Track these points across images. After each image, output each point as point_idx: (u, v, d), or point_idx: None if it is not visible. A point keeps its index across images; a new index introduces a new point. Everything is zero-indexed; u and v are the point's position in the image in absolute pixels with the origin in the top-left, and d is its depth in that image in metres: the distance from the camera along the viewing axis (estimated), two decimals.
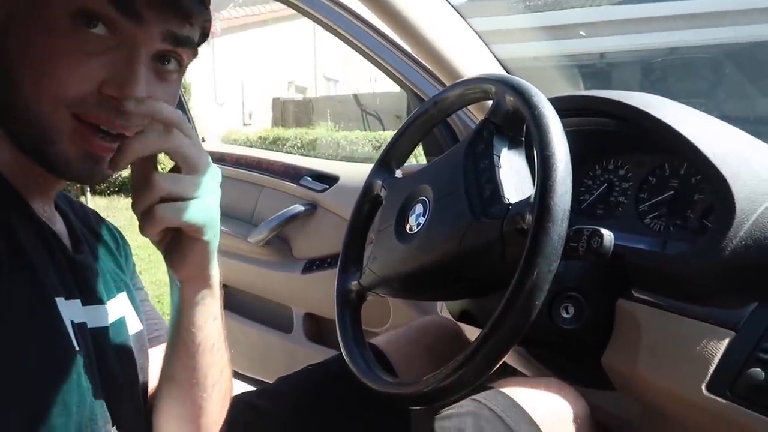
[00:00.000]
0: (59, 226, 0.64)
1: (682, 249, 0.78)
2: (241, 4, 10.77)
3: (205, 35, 0.63)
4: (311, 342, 1.66)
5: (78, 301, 0.60)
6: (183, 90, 1.98)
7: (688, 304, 0.77)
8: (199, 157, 0.58)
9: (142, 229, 0.56)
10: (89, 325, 0.61)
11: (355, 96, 11.60)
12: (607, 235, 0.66)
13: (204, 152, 0.59)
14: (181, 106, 1.96)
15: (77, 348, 0.56)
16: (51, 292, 0.55)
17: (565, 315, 0.82)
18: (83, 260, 0.64)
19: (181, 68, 0.60)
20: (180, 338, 0.65)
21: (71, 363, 0.55)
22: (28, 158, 0.56)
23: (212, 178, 0.60)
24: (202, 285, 0.64)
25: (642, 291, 0.81)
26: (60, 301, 0.55)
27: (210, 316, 0.66)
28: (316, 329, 1.68)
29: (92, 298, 0.63)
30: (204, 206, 0.57)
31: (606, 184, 0.99)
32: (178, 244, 0.60)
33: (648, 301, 0.80)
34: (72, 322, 0.57)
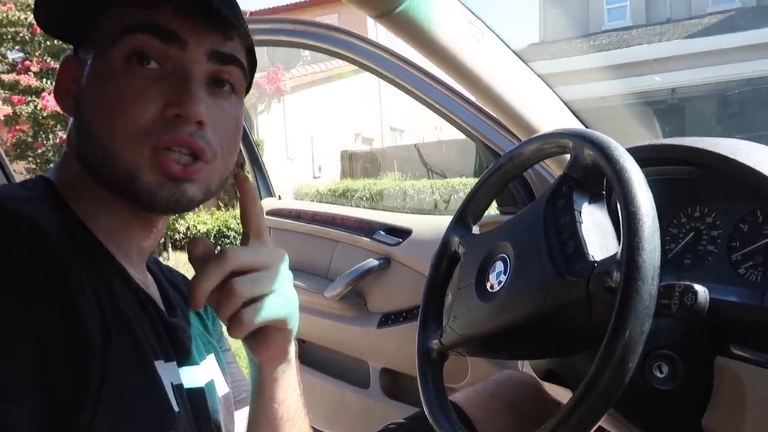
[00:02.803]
0: (153, 289, 0.68)
1: None
2: (309, 61, 11.22)
3: (251, 55, 0.67)
4: (389, 398, 1.64)
5: (174, 363, 0.62)
6: (257, 146, 2.08)
7: None
8: (264, 256, 0.59)
9: (232, 333, 0.57)
10: (185, 386, 0.63)
11: (417, 147, 11.72)
12: (702, 291, 0.63)
13: (266, 246, 0.61)
14: (258, 163, 2.04)
15: (177, 409, 0.58)
16: (151, 356, 0.57)
17: (658, 374, 0.78)
18: (178, 323, 0.67)
19: (236, 92, 0.64)
20: (261, 412, 0.68)
21: (172, 425, 0.57)
22: (124, 207, 0.60)
23: (282, 263, 0.61)
24: (282, 362, 0.66)
25: (742, 347, 0.76)
26: (159, 364, 0.58)
27: (290, 389, 0.68)
28: (393, 385, 1.66)
29: (187, 360, 0.66)
30: (284, 297, 0.60)
31: (693, 233, 0.95)
32: (261, 334, 0.61)
33: (750, 358, 0.75)
34: (171, 384, 0.59)
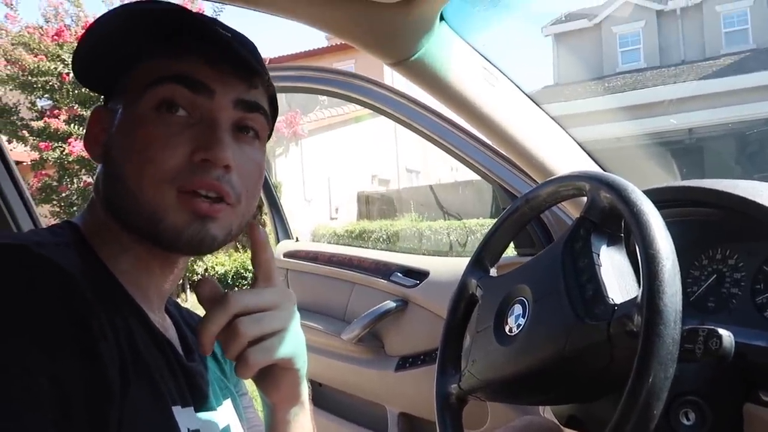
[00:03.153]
0: (171, 332, 0.68)
1: None
2: (327, 105, 11.43)
3: (274, 102, 0.69)
4: None
5: (191, 408, 0.62)
6: (275, 188, 2.10)
7: None
8: (269, 296, 0.60)
9: (239, 373, 0.57)
10: None
11: (432, 189, 11.76)
12: (727, 335, 0.62)
13: (272, 288, 0.61)
14: (276, 205, 2.05)
15: None
16: (168, 401, 0.57)
17: (685, 422, 0.76)
18: (196, 368, 0.66)
19: (260, 138, 0.66)
20: None
21: None
22: (146, 250, 0.61)
23: (288, 304, 0.61)
24: (294, 404, 0.66)
25: None
26: (177, 410, 0.58)
27: None
28: (412, 430, 1.63)
29: (204, 405, 0.65)
30: (291, 336, 0.60)
31: (715, 275, 0.94)
32: (270, 374, 0.61)
33: None
34: (188, 429, 0.59)
